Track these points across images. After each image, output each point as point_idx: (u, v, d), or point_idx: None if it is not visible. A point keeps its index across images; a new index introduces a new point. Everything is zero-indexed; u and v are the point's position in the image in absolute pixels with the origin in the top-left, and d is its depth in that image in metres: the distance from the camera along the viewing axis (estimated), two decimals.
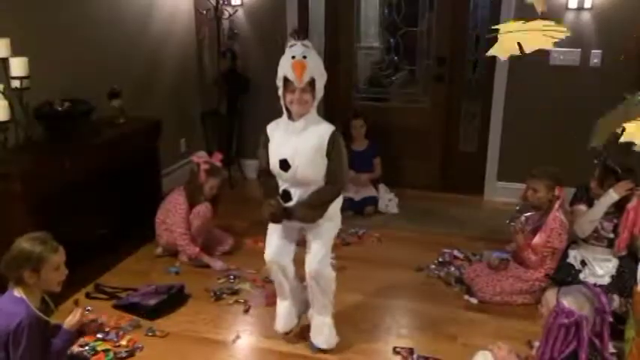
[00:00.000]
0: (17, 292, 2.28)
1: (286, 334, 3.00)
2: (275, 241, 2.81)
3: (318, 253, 2.75)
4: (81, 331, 2.50)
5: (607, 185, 3.19)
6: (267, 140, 2.72)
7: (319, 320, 2.90)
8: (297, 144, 2.60)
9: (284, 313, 2.97)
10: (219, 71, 4.97)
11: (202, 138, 5.19)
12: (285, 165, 2.61)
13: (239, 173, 5.27)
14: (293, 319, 2.98)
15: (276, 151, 2.65)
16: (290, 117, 2.64)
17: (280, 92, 2.62)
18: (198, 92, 5.29)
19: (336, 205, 2.77)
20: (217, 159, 3.90)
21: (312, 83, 2.55)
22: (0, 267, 2.29)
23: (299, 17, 4.89)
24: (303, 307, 2.99)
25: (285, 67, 2.54)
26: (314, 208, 2.65)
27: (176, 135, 5.00)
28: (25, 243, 2.29)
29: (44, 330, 2.32)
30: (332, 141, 2.61)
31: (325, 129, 2.63)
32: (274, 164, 2.66)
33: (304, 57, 2.51)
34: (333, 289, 2.87)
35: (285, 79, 2.55)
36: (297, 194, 2.66)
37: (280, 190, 2.71)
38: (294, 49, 2.54)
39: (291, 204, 2.67)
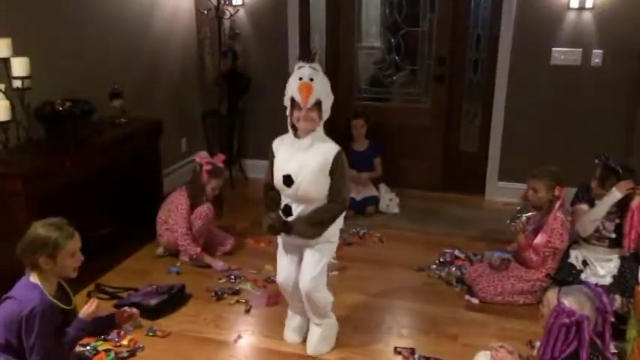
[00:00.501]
0: (33, 278, 2.28)
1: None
2: (285, 265, 2.85)
3: (312, 272, 2.75)
4: (113, 322, 2.55)
5: (608, 185, 3.18)
6: (272, 155, 2.76)
7: (312, 328, 2.94)
8: (303, 161, 2.63)
9: (294, 327, 3.00)
10: (220, 71, 4.97)
11: (203, 138, 5.19)
12: (288, 180, 2.64)
13: (240, 173, 5.27)
14: (302, 333, 3.00)
15: (280, 167, 2.68)
16: (296, 135, 2.67)
17: (288, 112, 2.65)
18: (199, 92, 5.29)
19: (336, 226, 2.78)
20: (220, 160, 3.90)
21: (318, 104, 2.59)
22: (16, 252, 2.28)
23: (300, 17, 4.89)
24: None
25: (292, 88, 2.58)
26: (314, 225, 2.68)
27: (177, 135, 5.00)
28: (40, 229, 2.28)
29: (58, 317, 2.31)
30: (336, 160, 2.64)
31: (331, 148, 2.66)
32: (278, 179, 2.68)
33: (311, 79, 2.55)
34: (329, 309, 2.91)
35: (293, 100, 2.59)
36: (297, 210, 2.69)
37: (282, 205, 2.74)
38: (302, 70, 2.58)
39: (291, 219, 2.70)
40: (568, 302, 2.14)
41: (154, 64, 4.65)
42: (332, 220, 2.71)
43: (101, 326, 2.56)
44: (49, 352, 2.24)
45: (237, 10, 4.92)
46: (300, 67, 2.61)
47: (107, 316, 2.58)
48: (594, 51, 4.34)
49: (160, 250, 3.87)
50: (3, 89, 3.06)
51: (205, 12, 4.83)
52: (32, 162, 3.11)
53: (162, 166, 4.30)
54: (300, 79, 2.56)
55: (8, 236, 3.05)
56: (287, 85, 2.63)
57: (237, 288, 3.48)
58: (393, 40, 4.96)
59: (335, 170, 2.64)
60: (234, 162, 5.13)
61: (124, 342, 2.93)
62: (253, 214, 4.26)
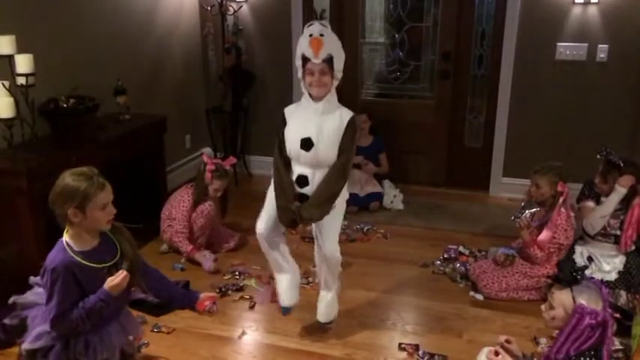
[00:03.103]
0: (65, 234, 2.20)
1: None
2: (268, 215, 2.80)
3: (334, 236, 2.79)
4: (190, 302, 2.49)
5: (611, 180, 3.17)
6: (284, 123, 2.72)
7: (323, 295, 2.99)
8: (321, 124, 2.62)
9: (288, 285, 2.96)
10: (224, 67, 4.96)
11: (207, 134, 5.19)
12: (307, 143, 2.61)
13: (244, 170, 5.27)
14: (296, 292, 2.99)
15: (296, 131, 2.65)
16: (312, 98, 2.65)
17: (300, 74, 2.64)
18: (203, 88, 5.29)
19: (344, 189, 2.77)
20: (229, 163, 3.87)
21: (330, 62, 2.56)
22: (48, 204, 2.18)
23: (304, 13, 4.88)
24: (299, 281, 3.05)
25: (302, 45, 2.57)
26: (321, 205, 2.66)
27: (181, 131, 5.01)
28: (68, 178, 2.16)
29: (89, 276, 2.18)
30: (350, 124, 2.64)
31: (346, 112, 2.68)
32: (294, 144, 2.64)
33: (321, 35, 2.54)
34: (340, 269, 2.96)
35: (304, 58, 2.58)
36: (314, 179, 2.67)
37: (295, 177, 2.70)
38: (312, 27, 2.58)
39: (307, 189, 2.67)
40: (586, 302, 2.14)
41: (157, 61, 4.65)
42: (337, 194, 2.69)
43: (176, 300, 2.47)
44: (64, 312, 2.16)
45: (241, 7, 4.91)
46: (309, 25, 2.60)
47: (185, 294, 2.48)
48: (600, 46, 4.32)
49: (165, 247, 3.87)
50: (7, 86, 3.06)
51: (209, 8, 4.82)
52: (36, 159, 3.12)
53: (166, 163, 4.31)
54: (311, 35, 2.54)
55: (13, 233, 3.08)
56: (298, 45, 2.62)
57: (241, 284, 3.48)
58: (397, 36, 4.95)
59: (346, 134, 2.63)
60: (238, 158, 5.13)
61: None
62: (257, 211, 4.26)
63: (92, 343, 2.25)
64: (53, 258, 2.17)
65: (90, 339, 2.25)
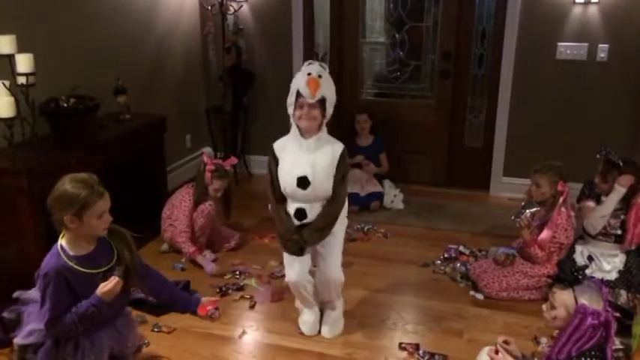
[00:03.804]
0: (60, 239, 2.21)
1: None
2: (296, 265, 2.83)
3: (337, 260, 2.86)
4: (190, 305, 2.50)
5: (610, 179, 3.17)
6: (275, 160, 2.75)
7: (329, 313, 3.02)
8: (314, 160, 2.65)
9: (312, 320, 3.01)
10: (224, 67, 4.96)
11: (207, 134, 5.18)
12: (304, 182, 2.64)
13: (244, 169, 5.27)
14: (317, 323, 3.03)
15: (290, 169, 2.68)
16: (301, 134, 2.68)
17: (291, 110, 2.66)
18: (203, 88, 5.29)
19: (344, 210, 2.84)
20: (229, 164, 3.86)
21: (322, 103, 2.61)
22: (47, 207, 2.18)
23: (304, 12, 4.88)
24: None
25: (299, 82, 2.60)
26: (322, 229, 2.73)
27: (181, 131, 5.01)
28: (68, 184, 2.16)
29: (81, 281, 2.19)
30: (342, 158, 2.70)
31: (337, 145, 2.73)
32: (290, 183, 2.67)
33: (319, 76, 2.58)
34: (341, 288, 3.00)
35: (297, 95, 2.60)
36: (312, 212, 2.71)
37: (293, 211, 2.74)
38: (311, 67, 2.64)
39: (306, 221, 2.72)
40: (587, 302, 2.14)
41: (158, 60, 4.65)
42: (337, 218, 2.76)
43: (178, 304, 2.46)
44: (57, 316, 2.18)
45: (241, 6, 4.91)
46: (309, 64, 2.65)
47: (186, 298, 2.50)
48: (600, 46, 4.32)
49: (165, 247, 3.87)
50: (7, 86, 3.06)
51: (209, 8, 4.82)
52: (37, 158, 3.11)
53: (166, 162, 4.30)
54: (309, 74, 2.58)
55: (13, 232, 3.08)
56: (292, 82, 2.65)
57: (241, 284, 3.48)
58: (397, 36, 4.94)
59: (339, 167, 2.68)
60: (238, 158, 5.12)
61: None
62: (257, 211, 4.27)
63: (82, 345, 2.27)
64: (46, 263, 2.19)
65: (81, 341, 2.27)
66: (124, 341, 2.41)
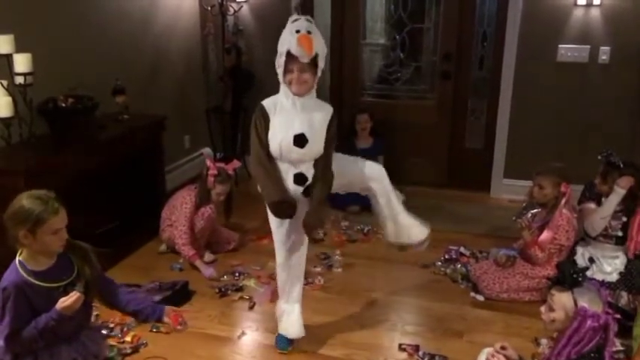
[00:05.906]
0: (19, 255, 2.19)
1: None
2: (286, 223, 2.74)
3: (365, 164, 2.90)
4: (159, 315, 2.41)
5: (611, 180, 3.16)
6: (265, 119, 2.60)
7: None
8: (309, 119, 2.57)
9: (299, 317, 2.91)
10: (224, 67, 4.95)
11: (207, 134, 5.17)
12: (301, 140, 2.54)
13: (244, 170, 5.25)
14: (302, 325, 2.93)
15: (285, 128, 2.55)
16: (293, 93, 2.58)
17: (281, 71, 2.55)
18: (203, 88, 5.28)
19: None
20: (232, 167, 3.84)
21: (314, 60, 2.50)
22: (3, 222, 2.15)
23: (303, 13, 4.83)
24: None
25: (289, 42, 2.46)
26: (325, 201, 2.69)
27: (180, 131, 4.99)
28: (25, 200, 2.13)
29: (41, 296, 2.17)
30: (333, 116, 2.64)
31: (327, 105, 2.68)
32: (285, 141, 2.54)
33: (309, 32, 2.46)
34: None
35: (288, 55, 2.49)
36: (309, 173, 2.63)
37: (292, 175, 2.62)
38: (298, 23, 2.49)
39: (309, 183, 2.63)
40: (587, 304, 2.13)
41: (157, 61, 4.64)
42: (332, 184, 2.68)
43: (143, 313, 2.40)
44: (16, 331, 2.15)
45: (241, 7, 4.91)
46: (295, 20, 2.51)
47: (153, 307, 2.43)
48: (601, 48, 4.31)
49: (163, 247, 3.86)
50: (5, 85, 3.06)
51: (209, 8, 4.82)
52: (35, 158, 3.10)
53: (165, 163, 4.29)
54: (298, 31, 2.44)
55: None
56: (280, 42, 2.53)
57: (240, 284, 3.47)
58: (398, 37, 4.94)
59: (330, 128, 2.62)
60: (237, 158, 5.11)
61: (127, 338, 2.92)
62: (256, 211, 4.23)
63: (41, 357, 2.23)
64: (5, 278, 2.17)
65: (39, 354, 2.24)
66: (88, 354, 2.37)
